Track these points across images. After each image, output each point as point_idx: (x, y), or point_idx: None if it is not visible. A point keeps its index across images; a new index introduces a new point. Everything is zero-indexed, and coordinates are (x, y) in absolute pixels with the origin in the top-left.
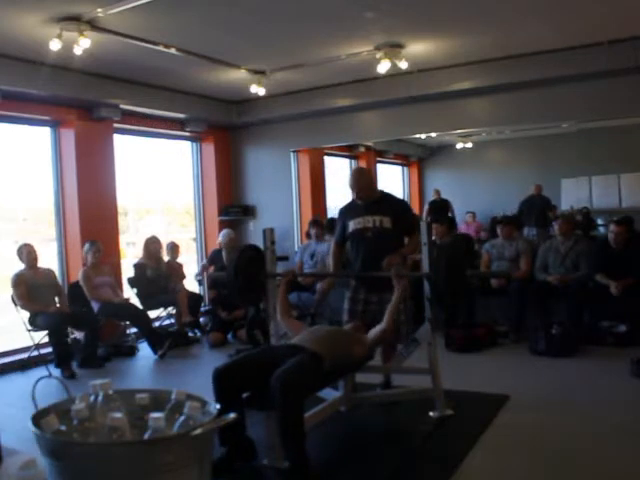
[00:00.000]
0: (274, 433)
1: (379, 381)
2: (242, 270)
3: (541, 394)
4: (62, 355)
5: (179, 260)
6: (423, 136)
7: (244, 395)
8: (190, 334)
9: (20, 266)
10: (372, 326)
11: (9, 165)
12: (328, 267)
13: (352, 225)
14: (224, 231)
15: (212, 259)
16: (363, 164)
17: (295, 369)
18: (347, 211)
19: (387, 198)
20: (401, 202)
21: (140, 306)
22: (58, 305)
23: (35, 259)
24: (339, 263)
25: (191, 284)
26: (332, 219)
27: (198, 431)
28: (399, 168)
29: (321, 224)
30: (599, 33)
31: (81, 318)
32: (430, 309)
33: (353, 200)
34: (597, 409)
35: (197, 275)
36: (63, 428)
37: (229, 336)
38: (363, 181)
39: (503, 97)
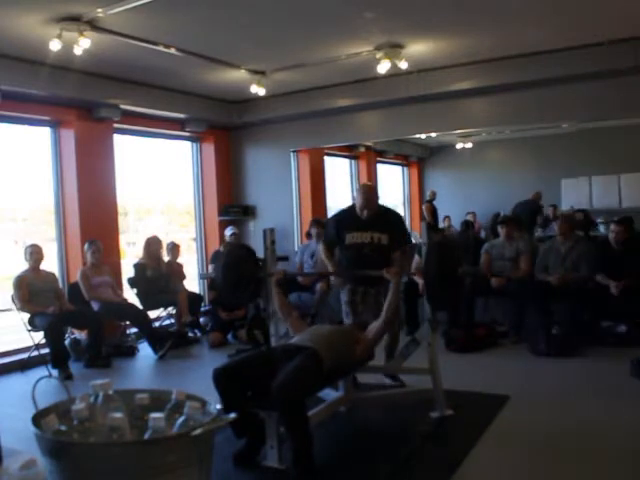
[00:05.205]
0: (274, 433)
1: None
2: (231, 269)
3: (541, 394)
4: (58, 356)
5: (179, 260)
6: (423, 136)
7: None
8: (190, 334)
9: (23, 267)
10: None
11: (9, 165)
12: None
13: (349, 238)
14: (230, 227)
15: (214, 260)
16: (363, 164)
17: (295, 375)
18: (344, 221)
19: (386, 213)
20: (397, 217)
21: (140, 306)
22: (58, 305)
23: (39, 260)
24: (335, 261)
25: (191, 284)
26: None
27: (198, 431)
28: (399, 168)
29: (322, 224)
30: (599, 33)
31: (84, 317)
32: (430, 310)
33: (352, 210)
34: (597, 409)
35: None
36: (63, 428)
37: (229, 336)
38: (373, 199)
39: (503, 97)
